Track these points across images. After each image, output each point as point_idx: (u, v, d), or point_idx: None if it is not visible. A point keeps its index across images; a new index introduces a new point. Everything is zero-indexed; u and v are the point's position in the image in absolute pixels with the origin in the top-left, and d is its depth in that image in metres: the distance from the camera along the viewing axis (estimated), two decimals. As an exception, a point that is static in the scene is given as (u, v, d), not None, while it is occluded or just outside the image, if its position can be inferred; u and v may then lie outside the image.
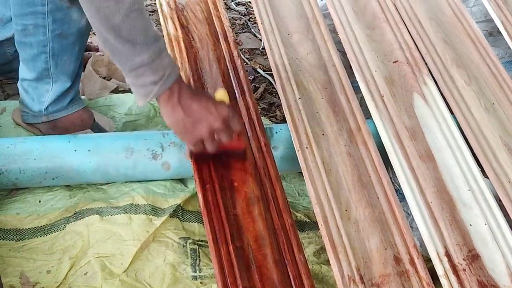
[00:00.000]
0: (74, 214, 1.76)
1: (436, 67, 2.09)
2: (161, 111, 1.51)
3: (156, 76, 1.39)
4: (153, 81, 1.39)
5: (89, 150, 1.79)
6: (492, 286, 1.56)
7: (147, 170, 1.84)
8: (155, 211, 1.79)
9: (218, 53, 2.08)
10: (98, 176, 1.82)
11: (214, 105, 1.52)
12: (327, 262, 1.72)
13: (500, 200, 1.74)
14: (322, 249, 1.80)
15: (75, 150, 1.78)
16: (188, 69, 1.99)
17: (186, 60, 2.02)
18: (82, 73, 2.25)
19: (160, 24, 2.21)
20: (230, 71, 2.01)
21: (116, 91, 2.31)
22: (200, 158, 1.68)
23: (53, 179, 1.79)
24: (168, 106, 1.47)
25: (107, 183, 1.88)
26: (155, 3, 2.25)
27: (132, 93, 2.12)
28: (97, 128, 2.01)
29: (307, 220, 1.92)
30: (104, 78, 2.38)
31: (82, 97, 2.13)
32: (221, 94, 1.69)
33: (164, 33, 2.12)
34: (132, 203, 1.79)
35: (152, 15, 2.72)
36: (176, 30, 2.12)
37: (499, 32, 2.30)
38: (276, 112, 2.40)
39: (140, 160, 1.82)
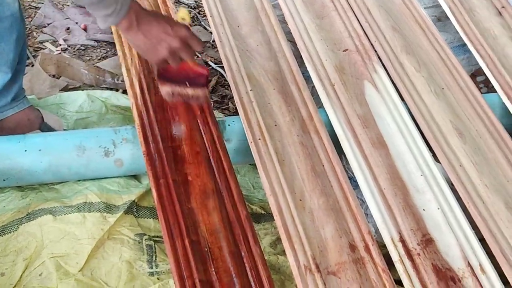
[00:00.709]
0: (27, 215, 1.74)
1: (385, 54, 2.11)
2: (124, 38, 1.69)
3: (108, 10, 1.50)
4: (107, 14, 1.51)
5: (39, 150, 1.77)
6: (447, 270, 1.57)
7: (100, 167, 1.83)
8: (109, 208, 1.78)
9: (168, 47, 2.06)
10: (50, 176, 1.80)
11: (171, 26, 1.62)
12: (283, 253, 1.72)
13: (452, 184, 1.75)
14: (278, 239, 1.80)
15: (26, 150, 1.76)
16: (139, 65, 1.99)
17: (136, 56, 2.01)
18: (30, 72, 2.23)
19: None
20: (180, 65, 2.00)
21: (66, 89, 2.29)
22: (164, 78, 1.72)
23: (4, 180, 1.76)
24: (129, 34, 1.60)
25: (60, 183, 1.86)
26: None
27: (82, 90, 2.12)
28: (46, 128, 1.98)
29: (263, 212, 1.93)
30: (54, 76, 2.35)
31: (31, 96, 2.10)
32: (182, 14, 1.76)
33: (113, 29, 2.13)
34: (86, 202, 1.78)
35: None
36: (125, 26, 2.10)
37: (447, 17, 2.31)
38: (228, 104, 2.39)
39: (92, 158, 1.81)
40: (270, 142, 1.79)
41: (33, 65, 2.34)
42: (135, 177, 1.93)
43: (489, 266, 1.57)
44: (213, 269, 1.52)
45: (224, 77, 2.47)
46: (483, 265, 1.57)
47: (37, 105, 2.06)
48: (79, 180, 1.86)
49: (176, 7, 2.29)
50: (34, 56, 2.37)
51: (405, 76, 2.04)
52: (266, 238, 1.84)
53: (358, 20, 2.22)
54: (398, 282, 1.56)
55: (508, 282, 1.56)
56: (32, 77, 2.27)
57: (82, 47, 2.51)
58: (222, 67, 2.47)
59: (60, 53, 2.44)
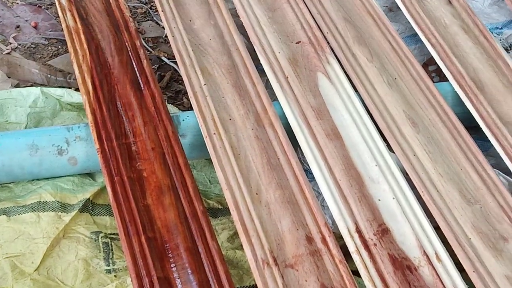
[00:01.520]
0: (-20, 216, 1.72)
1: (338, 45, 2.11)
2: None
3: None
4: None
5: (-9, 150, 1.75)
6: (403, 259, 1.58)
7: (54, 166, 1.81)
8: (64, 207, 1.76)
9: (119, 43, 2.05)
10: (2, 176, 1.78)
11: None
12: (241, 247, 1.72)
13: (406, 174, 1.77)
14: (236, 234, 1.80)
15: (-23, 151, 1.74)
16: (90, 61, 1.96)
17: (87, 52, 1.99)
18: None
19: (58, 17, 2.16)
20: (133, 61, 1.99)
21: (17, 87, 2.26)
22: None
23: (-44, 182, 1.74)
24: None
25: (13, 182, 1.83)
26: (53, -4, 2.21)
27: (36, 87, 2.09)
28: None
29: (220, 206, 1.92)
30: (5, 77, 2.33)
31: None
32: None
33: (63, 26, 2.08)
34: (40, 201, 1.76)
35: (51, 8, 2.66)
36: (76, 22, 2.09)
37: (399, 8, 2.33)
38: (183, 99, 2.38)
39: (46, 156, 1.79)
40: (225, 136, 1.79)
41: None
42: (90, 175, 1.91)
43: (444, 254, 1.58)
44: (170, 266, 1.51)
45: (178, 72, 2.46)
46: (439, 254, 1.59)
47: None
48: (33, 180, 1.84)
49: (127, 3, 2.27)
50: (-16, 56, 2.34)
51: (358, 67, 2.05)
52: (223, 233, 1.84)
53: (310, 11, 2.23)
54: (355, 272, 1.57)
55: (464, 270, 1.58)
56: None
57: (33, 45, 2.48)
58: (176, 62, 2.46)
59: (10, 52, 2.40)
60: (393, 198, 1.70)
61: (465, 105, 2.00)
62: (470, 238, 1.64)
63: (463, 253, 1.60)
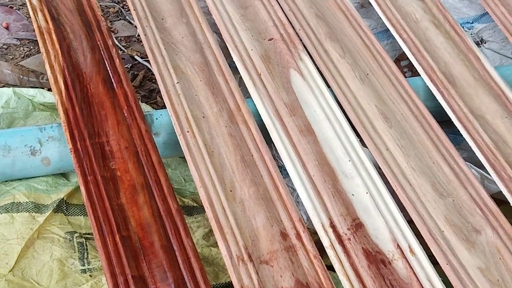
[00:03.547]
0: (-47, 218, 1.71)
1: (310, 42, 2.12)
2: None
3: None
4: None
5: (-37, 152, 1.74)
6: (377, 253, 1.59)
7: (27, 167, 1.80)
8: (38, 208, 1.76)
9: (91, 43, 2.05)
10: (-25, 178, 1.77)
11: None
12: (216, 245, 1.72)
13: (379, 168, 1.78)
14: (211, 231, 1.80)
15: (-51, 153, 1.73)
16: (62, 61, 1.95)
17: (60, 52, 1.98)
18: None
19: (30, 18, 2.15)
20: (105, 60, 1.99)
21: (-9, 87, 2.26)
22: None
23: None
24: None
25: (-14, 183, 1.83)
26: (24, -4, 2.20)
27: (8, 87, 2.08)
28: None
29: (195, 204, 1.92)
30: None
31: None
32: None
33: (35, 26, 2.07)
34: (13, 202, 1.76)
35: (22, 8, 2.65)
36: (47, 22, 2.08)
37: (370, 4, 2.34)
38: (156, 98, 2.38)
39: (18, 157, 1.78)
40: (199, 134, 1.79)
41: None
42: (64, 175, 1.91)
43: (418, 248, 1.59)
44: (145, 264, 1.52)
45: (151, 71, 2.46)
46: (412, 247, 1.60)
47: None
48: (6, 181, 1.83)
49: (99, 3, 2.27)
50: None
51: (330, 63, 2.06)
52: (199, 230, 1.84)
53: (282, 8, 2.23)
54: (330, 267, 1.58)
55: (437, 262, 1.59)
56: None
57: (5, 46, 2.47)
58: (149, 61, 2.45)
59: (-19, 53, 2.40)
60: (367, 193, 1.71)
61: (437, 100, 2.01)
62: (443, 231, 1.65)
63: (436, 246, 1.61)
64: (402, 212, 1.68)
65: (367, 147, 1.83)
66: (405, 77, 2.06)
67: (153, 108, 2.26)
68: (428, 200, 1.71)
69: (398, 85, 2.02)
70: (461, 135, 1.93)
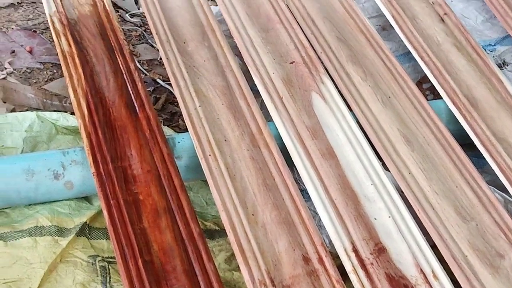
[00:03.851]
0: (-23, 242, 1.72)
1: (332, 65, 2.12)
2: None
3: None
4: None
5: (-13, 176, 1.75)
6: (400, 278, 1.58)
7: (50, 191, 1.81)
8: (60, 231, 1.76)
9: (114, 67, 2.06)
10: (-1, 202, 1.78)
11: None
12: (238, 268, 1.72)
13: (402, 192, 1.77)
14: (233, 255, 1.80)
15: (-27, 177, 1.74)
16: (85, 85, 1.96)
17: (82, 76, 1.99)
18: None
19: (53, 42, 2.17)
20: (128, 84, 2.00)
21: (13, 111, 2.26)
22: None
23: (-48, 207, 1.74)
24: None
25: (10, 207, 1.83)
26: (48, 20, 2.21)
27: (32, 111, 2.09)
28: None
29: (217, 228, 1.92)
30: (-1, 101, 2.34)
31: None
32: None
33: (58, 50, 2.09)
34: (37, 226, 1.76)
35: (45, 32, 2.67)
36: (70, 46, 2.09)
37: (392, 26, 2.34)
38: (178, 121, 2.39)
39: (42, 181, 1.79)
40: (221, 158, 1.79)
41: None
42: (86, 198, 1.92)
43: (441, 272, 1.58)
44: (167, 289, 1.52)
45: (173, 94, 2.47)
46: (436, 272, 1.59)
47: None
48: (29, 204, 1.84)
49: (122, 26, 2.28)
50: (-21, 82, 2.35)
51: (352, 86, 2.06)
52: (220, 254, 1.84)
53: (303, 32, 2.24)
54: (353, 292, 1.57)
55: (461, 287, 1.58)
56: (-24, 98, 2.26)
57: (28, 70, 2.49)
58: (171, 84, 2.46)
59: (5, 77, 2.41)
60: (389, 217, 1.71)
61: (459, 123, 2.00)
62: (466, 256, 1.64)
63: (460, 271, 1.60)
64: (425, 237, 1.67)
65: (389, 171, 1.83)
66: (427, 100, 2.05)
67: (175, 131, 2.27)
68: (451, 224, 1.70)
69: (420, 108, 2.01)
70: (484, 158, 1.92)
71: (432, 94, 2.36)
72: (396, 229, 1.68)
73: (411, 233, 1.67)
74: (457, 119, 2.01)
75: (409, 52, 2.26)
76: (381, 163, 1.83)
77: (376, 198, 1.75)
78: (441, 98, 2.09)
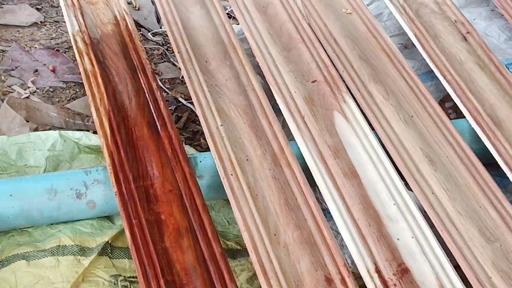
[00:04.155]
0: (0, 261, 1.72)
1: (354, 84, 2.12)
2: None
3: None
4: None
5: (10, 195, 1.75)
6: (423, 299, 1.57)
7: (72, 210, 1.81)
8: (83, 251, 1.76)
9: (137, 86, 2.07)
10: (22, 221, 1.78)
11: None
12: (260, 288, 1.72)
13: (425, 212, 1.76)
14: (255, 275, 1.79)
15: (-4, 196, 1.75)
16: (108, 104, 1.97)
17: (105, 95, 2.00)
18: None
19: (76, 61, 2.19)
20: (150, 103, 2.00)
21: (36, 130, 2.27)
22: None
23: (-25, 227, 1.75)
24: None
25: (32, 226, 1.84)
26: (71, 39, 2.23)
27: (54, 130, 2.10)
28: None
29: (239, 247, 1.91)
30: (24, 121, 2.35)
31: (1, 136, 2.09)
32: None
33: (81, 69, 2.10)
34: (59, 245, 1.76)
35: (68, 51, 2.69)
36: (93, 65, 2.11)
37: (414, 45, 2.33)
38: (200, 140, 2.39)
39: (64, 200, 1.79)
40: (242, 177, 1.79)
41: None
42: (108, 217, 1.92)
43: (465, 294, 1.57)
44: (189, 309, 1.51)
45: (194, 113, 2.47)
46: (459, 293, 1.58)
47: (6, 144, 2.04)
48: (52, 224, 1.84)
49: (144, 45, 2.29)
50: (3, 101, 2.35)
51: (374, 105, 2.05)
52: (242, 274, 1.83)
53: (325, 50, 2.24)
54: (376, 313, 1.56)
55: (485, 308, 1.57)
56: (0, 117, 2.26)
57: (51, 89, 2.50)
58: (192, 103, 2.47)
59: (28, 96, 2.43)
60: (412, 237, 1.69)
61: (483, 142, 1.99)
62: (490, 277, 1.63)
63: (484, 292, 1.59)
64: (448, 257, 1.65)
65: (412, 190, 1.82)
66: (450, 119, 2.04)
67: (197, 150, 2.27)
68: (475, 245, 1.69)
69: (443, 127, 2.00)
70: (508, 178, 1.91)
71: (455, 112, 2.35)
72: (419, 250, 1.67)
73: (435, 253, 1.66)
74: (480, 139, 2.00)
75: (432, 71, 2.25)
76: (403, 182, 1.82)
77: (399, 218, 1.74)
78: (464, 117, 2.08)
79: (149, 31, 2.92)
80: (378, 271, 1.61)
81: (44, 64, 2.62)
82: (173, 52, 2.66)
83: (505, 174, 1.91)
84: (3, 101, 2.34)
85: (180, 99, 2.57)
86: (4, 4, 2.93)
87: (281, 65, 2.17)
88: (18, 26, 2.81)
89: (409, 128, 1.98)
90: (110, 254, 1.79)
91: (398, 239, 1.69)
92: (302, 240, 1.67)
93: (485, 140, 1.98)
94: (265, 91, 2.08)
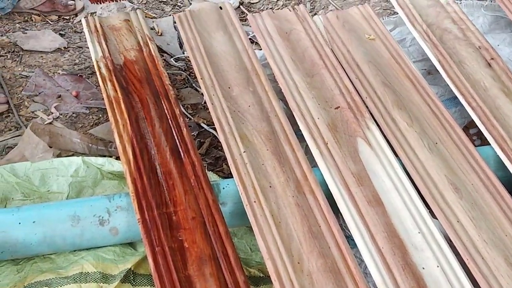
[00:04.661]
0: (23, 288, 1.72)
1: (377, 110, 2.11)
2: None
3: None
4: None
5: (33, 222, 1.76)
6: (449, 330, 1.55)
7: (95, 237, 1.81)
8: (105, 278, 1.76)
9: (159, 112, 2.07)
10: (45, 248, 1.79)
11: None
12: (284, 317, 1.70)
13: (450, 241, 1.74)
14: (278, 303, 1.78)
15: (20, 223, 1.75)
16: (131, 130, 1.97)
17: (128, 121, 2.00)
18: (21, 139, 2.23)
19: (99, 86, 2.19)
20: (173, 129, 2.00)
21: (59, 156, 2.28)
22: None
23: (-1, 253, 1.75)
24: None
25: (55, 253, 1.84)
26: (94, 65, 2.24)
27: (77, 156, 2.10)
28: None
29: (261, 275, 1.90)
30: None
31: (25, 163, 2.09)
32: None
33: (104, 95, 2.11)
34: (82, 272, 1.76)
35: (91, 77, 2.70)
36: (116, 91, 2.11)
37: (437, 71, 2.32)
38: (223, 166, 2.39)
39: (87, 227, 1.79)
40: (266, 204, 1.78)
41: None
42: (131, 244, 1.91)
43: (492, 324, 1.55)
44: (213, 339, 1.50)
45: (217, 138, 2.47)
46: (486, 324, 1.56)
47: (29, 170, 2.05)
48: (74, 250, 1.84)
49: (167, 71, 2.29)
50: (26, 126, 2.36)
51: (398, 132, 2.04)
52: (265, 302, 1.82)
53: (348, 76, 2.23)
54: None
55: None
56: (23, 143, 2.27)
57: (74, 115, 2.51)
58: (215, 129, 2.46)
59: (51, 122, 2.43)
60: (438, 266, 1.68)
61: (508, 169, 1.97)
62: (517, 307, 1.60)
63: (511, 323, 1.56)
64: (474, 287, 1.63)
65: (437, 219, 1.80)
66: (475, 145, 2.03)
67: (219, 176, 2.26)
68: (502, 274, 1.67)
69: (468, 154, 1.99)
70: (534, 206, 1.88)
71: (479, 139, 2.33)
72: (445, 279, 1.65)
73: (460, 283, 1.64)
74: (505, 166, 1.98)
75: (455, 97, 2.24)
76: (428, 210, 1.81)
77: (424, 247, 1.72)
78: (488, 143, 2.06)
79: (171, 57, 2.92)
80: (403, 301, 1.59)
81: (67, 90, 2.62)
82: (195, 77, 2.66)
83: (531, 202, 1.89)
84: (26, 127, 2.35)
85: (202, 124, 2.56)
86: (28, 29, 2.95)
87: (304, 91, 2.16)
88: (41, 51, 2.82)
89: (433, 155, 1.97)
90: (132, 281, 1.79)
91: (423, 268, 1.68)
92: (326, 268, 1.66)
93: (511, 167, 1.96)
94: (288, 117, 2.08)
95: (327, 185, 1.87)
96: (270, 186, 1.84)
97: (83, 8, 3.14)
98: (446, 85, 2.31)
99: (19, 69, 2.72)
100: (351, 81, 2.22)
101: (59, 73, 2.72)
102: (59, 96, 2.58)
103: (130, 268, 1.80)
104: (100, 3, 2.98)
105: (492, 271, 1.67)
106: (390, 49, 2.37)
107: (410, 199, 1.83)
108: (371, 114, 2.10)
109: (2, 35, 2.88)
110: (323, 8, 3.32)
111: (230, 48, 2.34)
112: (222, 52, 2.31)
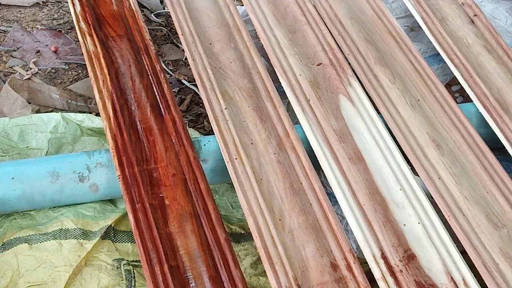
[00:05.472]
0: (2, 244, 1.71)
1: (360, 67, 2.09)
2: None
3: None
4: None
5: (12, 178, 1.73)
6: (430, 286, 1.55)
7: (75, 193, 1.79)
8: (85, 234, 1.75)
9: (140, 67, 2.04)
10: (24, 204, 1.77)
11: None
12: (264, 273, 1.70)
13: (432, 198, 1.74)
14: (259, 260, 1.78)
15: (-2, 179, 1.73)
16: (111, 86, 1.95)
17: (108, 77, 1.98)
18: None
19: (78, 42, 2.16)
20: (153, 85, 1.98)
21: (38, 112, 2.25)
22: None
23: (-23, 211, 1.73)
24: None
25: (34, 210, 1.82)
26: (73, 20, 2.20)
27: (57, 112, 2.08)
28: None
29: (242, 231, 1.90)
30: (26, 102, 2.33)
31: (3, 118, 2.07)
32: None
33: (84, 50, 2.08)
34: (62, 228, 1.75)
35: (71, 32, 2.66)
36: (96, 46, 2.08)
37: (420, 27, 2.31)
38: (204, 123, 2.37)
39: (67, 184, 1.77)
40: (247, 161, 1.77)
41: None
42: (111, 201, 1.90)
43: (472, 280, 1.55)
44: (193, 295, 1.50)
45: (198, 95, 2.45)
46: (466, 279, 1.56)
47: (8, 126, 2.02)
48: (54, 207, 1.83)
49: (147, 26, 2.26)
50: (4, 82, 2.33)
51: (380, 89, 2.03)
52: (246, 258, 1.81)
53: (331, 33, 2.21)
54: (381, 300, 1.55)
55: (492, 295, 1.55)
56: (1, 98, 2.24)
57: (53, 70, 2.48)
58: (196, 85, 2.44)
59: (30, 78, 2.40)
60: (419, 223, 1.68)
61: (490, 126, 1.97)
62: (498, 264, 1.61)
63: (491, 279, 1.57)
64: (455, 244, 1.63)
65: (418, 176, 1.80)
66: (457, 102, 2.02)
67: (200, 133, 2.25)
68: (482, 231, 1.67)
69: (450, 111, 1.98)
70: (515, 163, 1.89)
71: (461, 96, 2.33)
72: (426, 236, 1.65)
73: (441, 240, 1.64)
74: (487, 123, 1.98)
75: (438, 54, 2.23)
76: (410, 168, 1.80)
77: (405, 204, 1.72)
78: (470, 100, 2.06)
79: (152, 12, 2.89)
80: (384, 257, 1.59)
81: (46, 45, 2.59)
82: (176, 33, 2.64)
83: (512, 159, 1.90)
84: (4, 83, 2.32)
85: (183, 81, 2.54)
86: (5, -16, 2.90)
87: (286, 48, 2.14)
88: (19, 6, 2.79)
89: (415, 113, 1.96)
90: (113, 238, 1.78)
91: (404, 225, 1.68)
92: (307, 225, 1.65)
93: (493, 124, 1.96)
94: (269, 73, 2.06)
95: (308, 142, 1.86)
96: (252, 143, 1.83)
97: (62, -38, 3.10)
98: (429, 42, 2.30)
99: (-3, 24, 2.69)
100: (333, 37, 2.20)
101: (37, 28, 2.68)
102: (38, 52, 2.55)
103: (111, 225, 1.79)
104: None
105: (473, 228, 1.67)
106: (373, 5, 2.35)
107: (392, 156, 1.82)
108: (353, 71, 2.09)
109: (-21, -11, 2.83)
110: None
111: (212, 3, 2.32)
112: (203, 8, 2.28)
